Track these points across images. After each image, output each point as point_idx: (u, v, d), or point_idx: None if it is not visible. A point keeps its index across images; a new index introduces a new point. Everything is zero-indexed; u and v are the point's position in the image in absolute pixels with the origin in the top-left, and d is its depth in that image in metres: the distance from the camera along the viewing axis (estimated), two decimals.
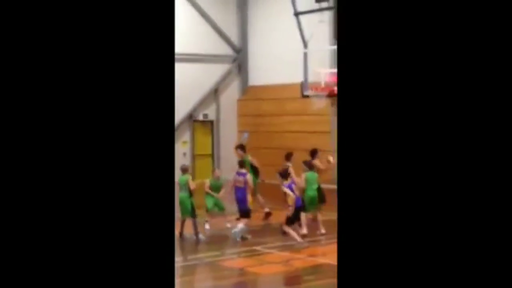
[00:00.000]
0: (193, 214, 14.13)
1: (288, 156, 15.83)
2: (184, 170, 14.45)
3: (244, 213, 14.30)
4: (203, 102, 25.50)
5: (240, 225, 14.03)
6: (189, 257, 12.79)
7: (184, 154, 25.01)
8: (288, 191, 13.10)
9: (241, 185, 14.31)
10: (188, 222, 14.17)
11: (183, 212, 14.16)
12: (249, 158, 16.36)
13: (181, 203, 14.14)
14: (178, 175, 14.49)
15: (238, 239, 13.83)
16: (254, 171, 16.18)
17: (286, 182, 13.21)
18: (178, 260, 12.69)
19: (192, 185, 14.20)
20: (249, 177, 14.58)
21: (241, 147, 16.70)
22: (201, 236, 14.08)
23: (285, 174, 13.26)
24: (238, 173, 14.60)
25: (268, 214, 16.19)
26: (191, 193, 14.14)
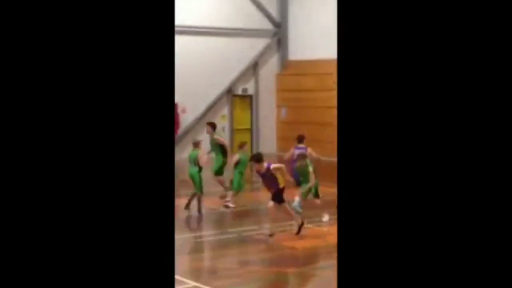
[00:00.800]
0: (200, 190, 14.09)
1: None
2: (195, 144, 14.34)
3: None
4: (242, 77, 25.52)
5: (297, 198, 13.89)
6: (229, 230, 12.90)
7: (223, 128, 25.10)
8: (279, 165, 12.43)
9: None
10: (201, 197, 14.19)
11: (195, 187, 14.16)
12: (216, 137, 15.64)
13: (191, 178, 14.14)
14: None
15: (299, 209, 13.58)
16: (222, 150, 15.50)
17: (262, 166, 12.05)
18: (215, 233, 12.88)
19: (203, 159, 14.08)
20: (310, 151, 14.40)
21: (211, 124, 15.90)
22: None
23: (259, 158, 12.39)
24: (297, 148, 14.61)
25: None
26: (200, 168, 14.05)
